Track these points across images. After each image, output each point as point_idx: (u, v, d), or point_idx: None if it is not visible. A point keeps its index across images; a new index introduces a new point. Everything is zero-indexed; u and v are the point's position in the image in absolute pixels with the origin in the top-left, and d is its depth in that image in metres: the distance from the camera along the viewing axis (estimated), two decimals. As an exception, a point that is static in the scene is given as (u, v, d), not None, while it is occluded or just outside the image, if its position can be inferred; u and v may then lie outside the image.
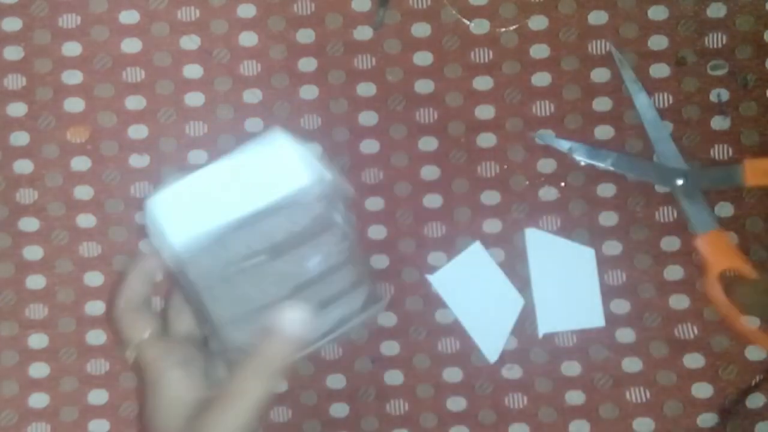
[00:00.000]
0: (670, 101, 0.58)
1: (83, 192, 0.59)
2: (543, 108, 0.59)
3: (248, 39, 0.59)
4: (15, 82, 0.59)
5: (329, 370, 0.58)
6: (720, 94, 0.58)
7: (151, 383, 0.43)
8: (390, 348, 0.58)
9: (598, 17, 0.59)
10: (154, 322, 0.44)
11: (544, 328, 0.57)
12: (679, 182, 0.57)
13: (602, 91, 0.58)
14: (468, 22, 0.59)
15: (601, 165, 0.57)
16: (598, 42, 0.59)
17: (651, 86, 0.58)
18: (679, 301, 0.58)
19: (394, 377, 0.58)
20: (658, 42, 0.59)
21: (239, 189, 0.40)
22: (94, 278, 0.58)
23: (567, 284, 0.57)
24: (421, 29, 0.59)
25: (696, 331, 0.57)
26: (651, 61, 0.58)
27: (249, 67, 0.59)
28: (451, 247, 0.58)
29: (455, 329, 0.58)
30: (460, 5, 0.59)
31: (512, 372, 0.58)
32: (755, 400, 0.57)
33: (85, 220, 0.59)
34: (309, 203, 0.40)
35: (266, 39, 0.59)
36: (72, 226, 0.58)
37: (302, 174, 0.39)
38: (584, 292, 0.58)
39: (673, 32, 0.59)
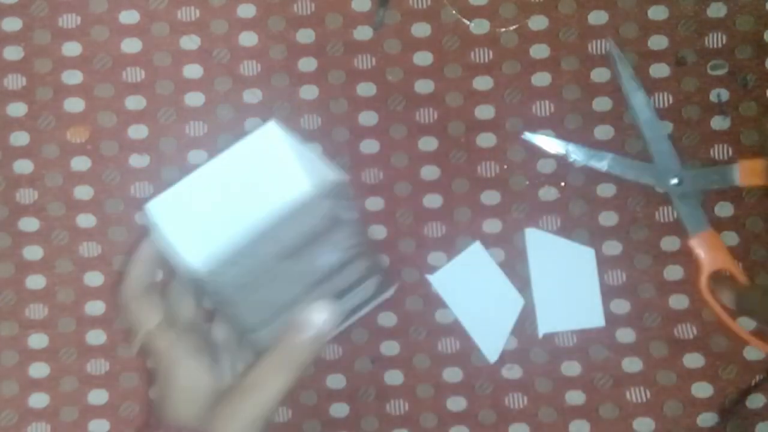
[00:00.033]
0: (670, 101, 0.58)
1: (83, 192, 0.59)
2: (543, 108, 0.59)
3: (248, 39, 0.59)
4: (15, 82, 0.59)
5: (329, 370, 0.58)
6: (720, 94, 0.58)
7: (164, 372, 0.43)
8: (390, 348, 0.58)
9: (598, 17, 0.59)
10: (161, 309, 0.44)
11: (544, 328, 0.58)
12: (674, 183, 0.57)
13: (602, 91, 0.58)
14: (468, 22, 0.59)
15: (597, 166, 0.57)
16: (598, 42, 0.59)
17: (651, 86, 0.58)
18: (679, 301, 0.58)
19: (394, 377, 0.58)
20: (658, 42, 0.59)
21: (245, 196, 0.40)
22: (94, 278, 0.58)
23: (567, 284, 0.57)
24: (421, 29, 0.59)
25: (696, 331, 0.57)
26: (651, 60, 0.58)
27: (249, 67, 0.59)
28: (451, 247, 0.58)
29: (455, 329, 0.58)
30: (460, 5, 0.59)
31: (512, 372, 0.58)
32: (755, 400, 0.57)
33: (85, 220, 0.59)
34: (316, 204, 0.40)
35: (266, 39, 0.59)
36: (72, 226, 0.58)
37: (307, 177, 0.39)
38: (584, 292, 0.58)
39: (673, 32, 0.59)
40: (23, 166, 0.59)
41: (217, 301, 0.41)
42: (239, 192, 0.40)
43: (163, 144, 0.59)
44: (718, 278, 0.57)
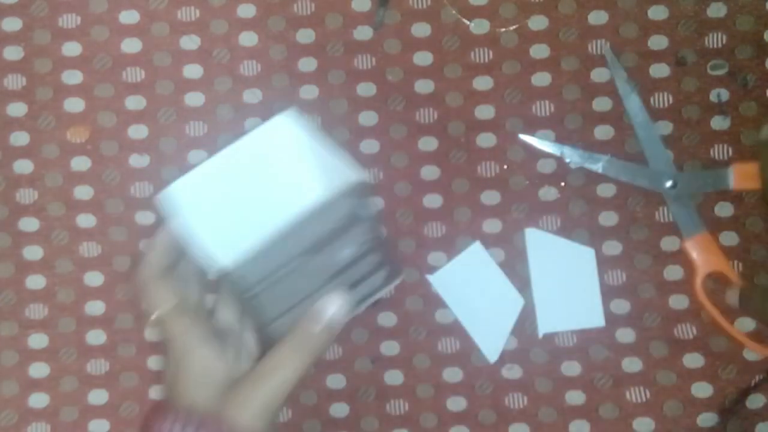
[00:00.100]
0: (670, 101, 0.58)
1: (83, 192, 0.59)
2: (543, 108, 0.59)
3: (248, 39, 0.59)
4: (15, 82, 0.59)
5: (329, 370, 0.58)
6: (720, 94, 0.58)
7: (178, 357, 0.44)
8: (390, 348, 0.58)
9: (598, 17, 0.59)
10: (177, 294, 0.45)
11: (544, 328, 0.57)
12: (668, 186, 0.57)
13: (602, 91, 0.58)
14: (468, 22, 0.59)
15: (592, 168, 0.57)
16: (598, 42, 0.59)
17: (651, 86, 0.58)
18: (679, 301, 0.58)
19: (394, 377, 0.58)
20: (658, 42, 0.59)
21: (267, 191, 0.41)
22: (94, 278, 0.58)
23: (567, 284, 0.57)
24: (421, 29, 0.59)
25: (695, 331, 0.57)
26: (651, 60, 0.58)
27: (249, 67, 0.59)
28: (451, 247, 0.58)
29: (455, 329, 0.58)
30: (460, 5, 0.59)
31: (512, 372, 0.58)
32: (755, 400, 0.57)
33: (85, 220, 0.59)
34: (338, 204, 0.40)
35: (266, 39, 0.59)
36: (72, 226, 0.58)
37: (330, 176, 0.40)
38: (584, 292, 0.58)
39: (673, 32, 0.59)
40: (23, 166, 0.59)
41: (238, 295, 0.42)
42: (260, 186, 0.41)
43: (163, 144, 0.59)
44: (716, 281, 0.57)
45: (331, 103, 0.59)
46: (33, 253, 0.58)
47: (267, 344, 0.44)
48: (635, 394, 0.57)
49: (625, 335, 0.58)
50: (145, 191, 0.59)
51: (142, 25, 0.59)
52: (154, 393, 0.58)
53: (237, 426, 0.41)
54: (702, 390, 0.57)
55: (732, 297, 0.55)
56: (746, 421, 0.57)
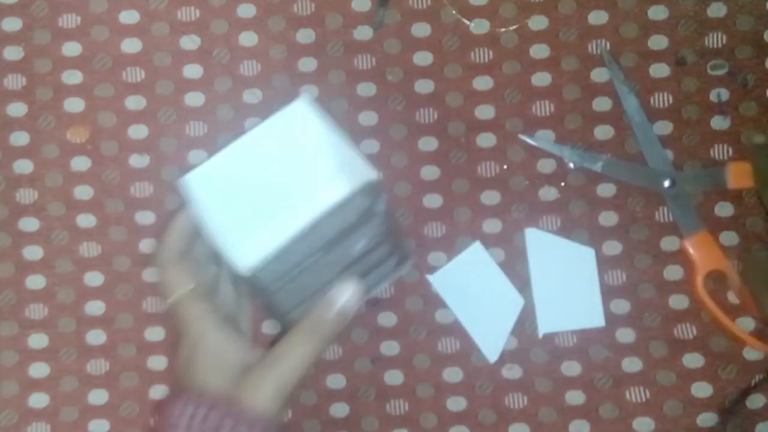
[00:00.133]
0: (670, 101, 0.58)
1: (83, 192, 0.59)
2: (543, 108, 0.59)
3: (248, 39, 0.59)
4: (15, 82, 0.59)
5: (329, 370, 0.58)
6: (720, 94, 0.58)
7: (192, 342, 0.45)
8: (390, 348, 0.58)
9: (598, 17, 0.59)
10: (195, 277, 0.46)
11: (544, 328, 0.57)
12: (667, 185, 0.57)
13: (602, 91, 0.58)
14: (468, 22, 0.59)
15: (592, 168, 0.57)
16: (598, 42, 0.59)
17: (651, 86, 0.58)
18: (679, 301, 0.58)
19: (394, 377, 0.58)
20: (658, 42, 0.59)
21: (286, 188, 0.41)
22: (94, 278, 0.58)
23: (567, 284, 0.57)
24: (421, 29, 0.59)
25: (695, 330, 0.57)
26: (651, 60, 0.58)
27: (249, 67, 0.59)
28: (451, 247, 0.58)
29: (455, 329, 0.58)
30: (460, 5, 0.59)
31: (512, 372, 0.58)
32: (755, 400, 0.57)
33: (85, 220, 0.59)
34: (355, 202, 0.41)
35: (266, 39, 0.59)
36: (72, 226, 0.58)
37: (347, 176, 0.41)
38: (584, 292, 0.58)
39: (673, 32, 0.59)
40: (23, 166, 0.59)
41: (255, 290, 0.43)
42: (281, 178, 0.42)
43: (163, 144, 0.59)
44: (720, 276, 0.57)
45: (331, 103, 0.59)
46: (33, 253, 0.58)
47: (282, 333, 0.45)
48: (635, 394, 0.57)
49: (625, 335, 0.58)
50: (145, 191, 0.59)
51: (142, 25, 0.59)
52: (154, 393, 0.58)
53: (250, 408, 0.42)
54: (702, 390, 0.57)
55: (736, 268, 0.56)
56: (746, 421, 0.57)
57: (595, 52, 0.59)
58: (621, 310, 0.58)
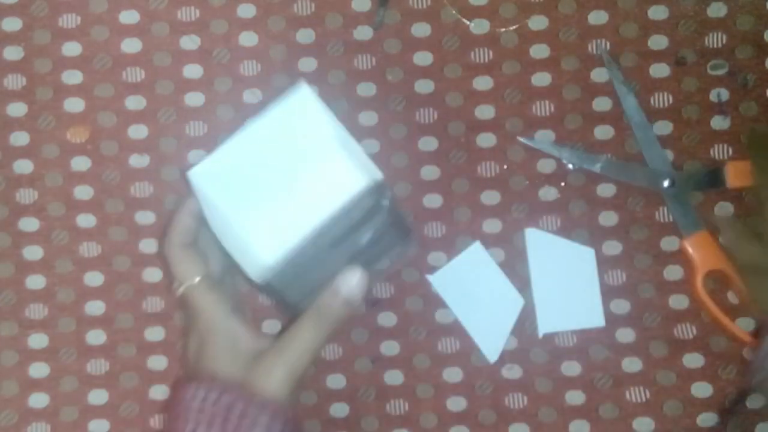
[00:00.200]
0: (670, 101, 0.58)
1: (83, 192, 0.59)
2: (543, 108, 0.59)
3: (248, 39, 0.59)
4: (15, 82, 0.59)
5: (329, 370, 0.58)
6: (720, 94, 0.58)
7: (204, 331, 0.45)
8: (390, 348, 0.58)
9: (598, 17, 0.59)
10: (204, 265, 0.46)
11: (544, 328, 0.57)
12: (666, 185, 0.57)
13: (602, 91, 0.58)
14: (468, 22, 0.59)
15: (591, 169, 0.57)
16: (598, 42, 0.59)
17: (651, 86, 0.58)
18: (679, 301, 0.58)
19: (394, 377, 0.58)
20: (658, 42, 0.59)
21: (297, 187, 0.42)
22: (94, 278, 0.58)
23: (567, 284, 0.57)
24: (421, 29, 0.59)
25: (695, 330, 0.57)
26: (651, 60, 0.58)
27: (249, 67, 0.59)
28: (451, 247, 0.58)
29: (455, 329, 0.58)
30: (460, 5, 0.59)
31: (512, 372, 0.58)
32: (755, 400, 0.57)
33: (85, 220, 0.59)
34: (365, 200, 0.42)
35: (266, 39, 0.59)
36: (72, 226, 0.58)
37: (359, 175, 0.42)
38: (584, 292, 0.58)
39: (673, 32, 0.59)
40: (23, 166, 0.59)
41: (266, 290, 0.44)
42: (290, 173, 0.42)
43: (163, 144, 0.59)
44: (720, 276, 0.57)
45: (331, 103, 0.58)
46: (33, 253, 0.58)
47: (291, 321, 0.46)
48: (635, 394, 0.57)
49: (625, 335, 0.58)
50: (145, 191, 0.59)
51: (142, 25, 0.59)
52: (154, 393, 0.58)
53: (260, 392, 0.43)
54: (702, 390, 0.57)
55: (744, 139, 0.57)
56: (746, 421, 0.57)
57: (594, 52, 0.59)
58: (621, 310, 0.58)
